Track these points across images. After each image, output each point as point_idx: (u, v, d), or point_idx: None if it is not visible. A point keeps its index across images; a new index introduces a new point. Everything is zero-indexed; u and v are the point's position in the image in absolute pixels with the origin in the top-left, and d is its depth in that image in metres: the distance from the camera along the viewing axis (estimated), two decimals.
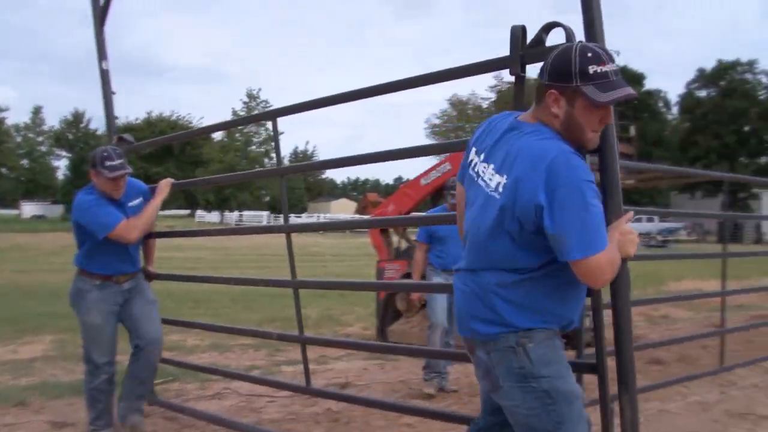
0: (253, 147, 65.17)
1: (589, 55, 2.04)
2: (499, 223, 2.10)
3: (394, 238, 8.69)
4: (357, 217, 8.00)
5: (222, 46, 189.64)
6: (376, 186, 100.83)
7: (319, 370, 6.45)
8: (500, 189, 2.10)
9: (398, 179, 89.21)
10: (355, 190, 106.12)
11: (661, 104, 60.43)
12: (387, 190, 71.09)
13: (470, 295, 2.22)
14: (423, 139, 58.40)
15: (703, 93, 57.45)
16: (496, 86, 54.64)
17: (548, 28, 2.51)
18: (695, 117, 56.26)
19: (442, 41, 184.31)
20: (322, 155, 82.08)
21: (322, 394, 4.60)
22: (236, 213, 60.79)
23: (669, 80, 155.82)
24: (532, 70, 2.62)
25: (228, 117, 53.21)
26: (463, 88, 68.89)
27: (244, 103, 63.02)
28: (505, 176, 2.09)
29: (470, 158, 2.33)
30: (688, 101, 57.65)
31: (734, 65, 55.20)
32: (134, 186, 4.34)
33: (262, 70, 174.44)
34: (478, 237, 2.20)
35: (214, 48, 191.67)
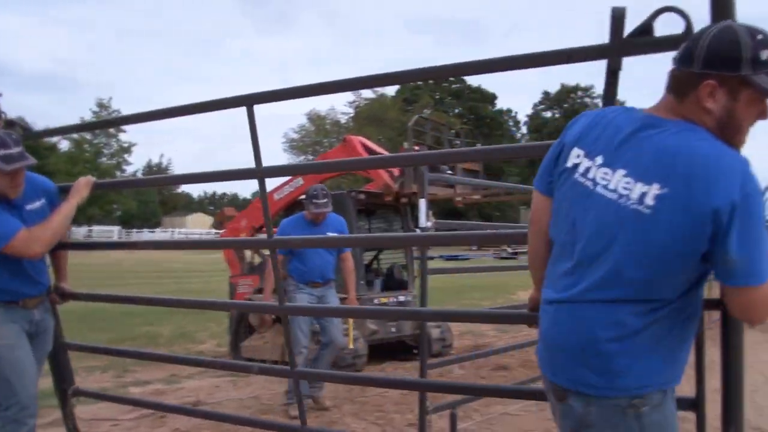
0: (104, 159, 61.89)
1: (759, 37, 1.62)
2: (647, 241, 1.65)
3: (247, 253, 8.61)
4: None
5: (70, 51, 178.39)
6: (234, 200, 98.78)
7: (170, 390, 6.26)
8: (648, 201, 1.64)
9: (256, 193, 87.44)
10: (212, 204, 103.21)
11: (511, 123, 64.18)
12: (244, 205, 69.65)
13: (579, 333, 1.75)
14: (281, 154, 57.99)
15: (548, 114, 61.51)
16: (354, 102, 55.62)
17: (658, 13, 2.07)
18: (542, 136, 60.07)
19: (304, 56, 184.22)
20: (178, 169, 79.46)
21: None
22: (85, 228, 57.23)
23: (518, 101, 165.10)
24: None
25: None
26: (322, 103, 69.36)
27: (94, 112, 59.65)
28: (656, 185, 1.63)
29: (573, 162, 1.86)
30: (535, 121, 61.57)
31: (575, 89, 59.57)
32: (34, 183, 3.38)
33: (116, 79, 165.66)
34: (605, 259, 1.72)
35: (61, 53, 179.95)
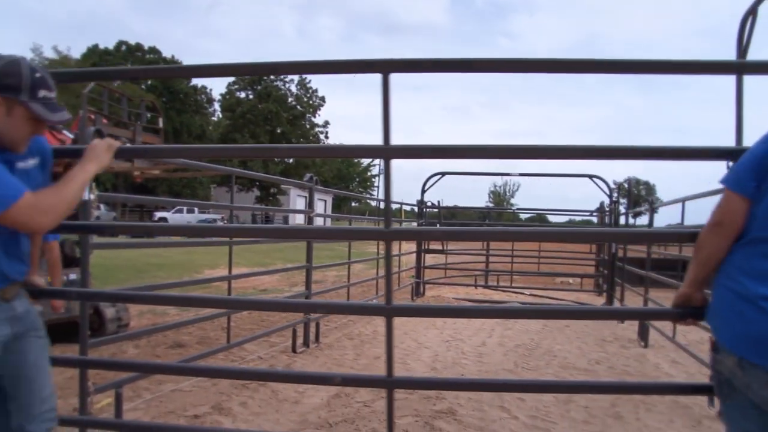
0: None
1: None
2: None
3: None
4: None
5: None
6: None
7: None
8: None
9: None
10: None
11: (205, 100, 63.08)
12: None
13: None
14: None
15: (242, 94, 61.69)
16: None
17: None
18: (235, 116, 60.13)
19: None
20: None
21: None
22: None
23: (213, 79, 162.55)
24: None
25: None
26: None
27: None
28: None
29: None
30: (229, 101, 61.24)
31: None
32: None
33: None
34: None
35: None
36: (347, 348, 7.62)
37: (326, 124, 67.32)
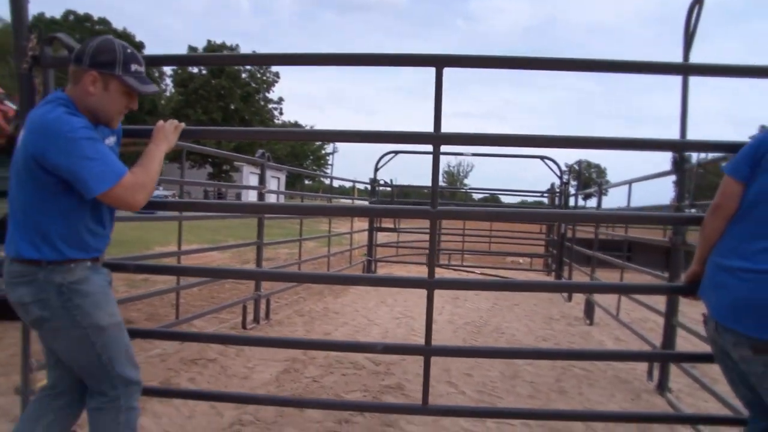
0: None
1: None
2: None
3: None
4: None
5: None
6: None
7: None
8: None
9: None
10: None
11: (157, 74, 61.63)
12: None
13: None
14: None
15: (195, 69, 60.42)
16: None
17: None
18: (188, 91, 58.92)
19: None
20: None
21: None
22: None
23: (171, 51, 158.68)
24: None
25: None
26: None
27: None
28: None
29: None
30: (181, 76, 59.93)
31: (221, 47, 59.47)
32: None
33: None
34: None
35: None
36: (297, 324, 7.62)
37: (280, 100, 66.61)
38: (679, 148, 4.46)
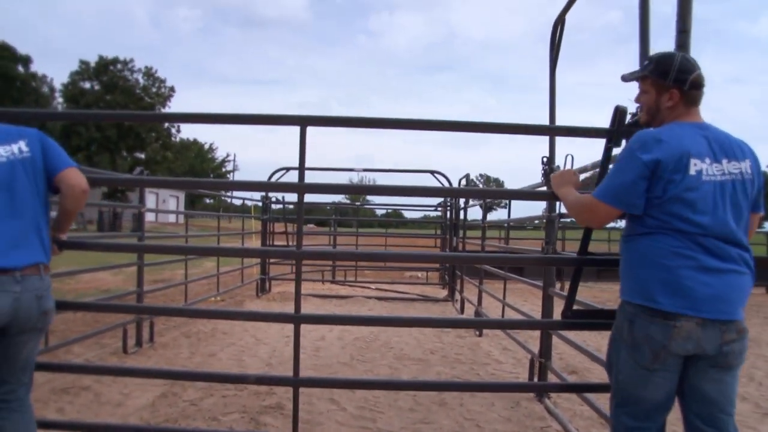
0: None
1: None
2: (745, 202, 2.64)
3: None
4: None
5: None
6: None
7: None
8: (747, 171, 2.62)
9: None
10: None
11: (46, 89, 58.77)
12: None
13: (740, 285, 2.56)
14: None
15: (87, 84, 58.03)
16: None
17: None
18: (79, 107, 56.39)
19: None
20: None
21: None
22: None
23: (55, 67, 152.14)
24: None
25: None
26: None
27: None
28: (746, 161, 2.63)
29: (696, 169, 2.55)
30: (72, 91, 57.37)
31: (114, 62, 57.47)
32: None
33: None
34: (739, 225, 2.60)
35: None
36: (183, 347, 7.36)
37: None
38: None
